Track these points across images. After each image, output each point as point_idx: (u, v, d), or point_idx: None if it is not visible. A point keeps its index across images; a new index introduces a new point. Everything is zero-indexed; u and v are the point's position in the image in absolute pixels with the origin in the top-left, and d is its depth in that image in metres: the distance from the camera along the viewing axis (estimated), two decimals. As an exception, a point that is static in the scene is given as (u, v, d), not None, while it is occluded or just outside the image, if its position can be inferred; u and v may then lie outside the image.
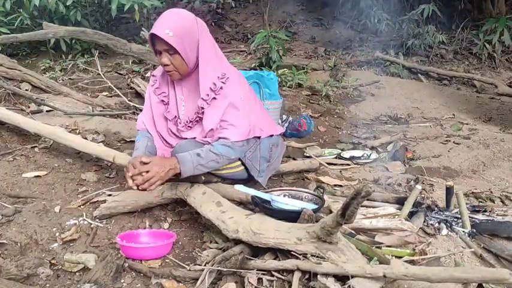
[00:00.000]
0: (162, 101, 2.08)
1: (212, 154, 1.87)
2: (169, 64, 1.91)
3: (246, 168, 2.10)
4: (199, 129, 1.97)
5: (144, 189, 1.76)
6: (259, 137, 2.10)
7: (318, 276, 1.43)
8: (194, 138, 1.98)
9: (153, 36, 1.86)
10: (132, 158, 1.89)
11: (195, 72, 1.97)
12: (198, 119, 1.98)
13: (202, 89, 1.93)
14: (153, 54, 3.90)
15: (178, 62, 1.91)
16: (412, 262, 1.54)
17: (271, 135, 2.17)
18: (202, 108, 1.94)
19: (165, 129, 2.09)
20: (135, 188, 1.76)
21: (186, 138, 2.01)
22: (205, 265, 1.60)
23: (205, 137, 1.95)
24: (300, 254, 1.51)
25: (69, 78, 4.13)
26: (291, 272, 1.51)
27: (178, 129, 2.05)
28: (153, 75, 2.14)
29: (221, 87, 1.93)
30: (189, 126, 2.01)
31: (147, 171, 1.74)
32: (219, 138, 1.92)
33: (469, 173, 2.73)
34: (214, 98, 1.93)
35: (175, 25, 1.85)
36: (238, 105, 1.93)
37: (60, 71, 4.43)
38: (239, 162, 2.07)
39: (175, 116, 2.06)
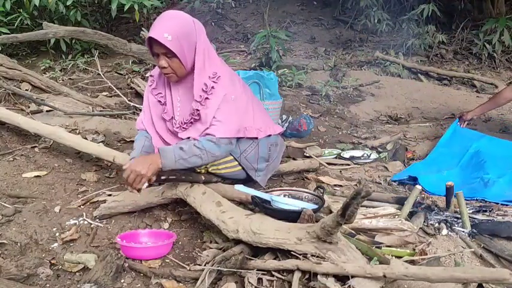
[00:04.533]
0: (159, 101, 2.09)
1: (195, 149, 1.87)
2: (167, 67, 1.91)
3: (244, 168, 2.10)
4: (194, 130, 1.97)
5: (137, 189, 1.81)
6: (256, 138, 2.09)
7: (318, 276, 1.43)
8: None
9: (151, 39, 1.85)
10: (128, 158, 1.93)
11: (191, 74, 1.97)
12: (192, 120, 1.98)
13: (196, 90, 1.94)
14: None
15: (176, 65, 1.91)
16: (412, 262, 1.54)
17: (269, 135, 2.17)
18: (197, 110, 1.95)
19: (165, 130, 2.09)
20: (130, 190, 1.83)
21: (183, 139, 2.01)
22: (205, 265, 1.60)
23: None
24: (300, 254, 1.51)
25: (69, 78, 4.13)
26: (291, 272, 1.51)
27: (174, 130, 2.06)
28: (151, 75, 2.14)
29: (212, 87, 1.93)
30: (183, 128, 2.01)
31: (131, 172, 1.78)
32: (206, 134, 1.92)
33: (469, 173, 2.72)
34: (207, 98, 1.93)
35: (174, 29, 1.84)
36: (228, 103, 1.93)
37: (60, 71, 4.42)
38: (237, 162, 2.07)
39: (172, 117, 2.06)
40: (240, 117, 1.99)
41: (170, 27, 1.85)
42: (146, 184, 1.84)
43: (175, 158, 1.84)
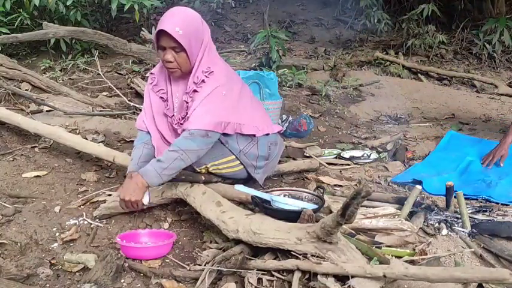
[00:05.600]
0: (161, 97, 2.08)
1: (172, 153, 1.85)
2: (173, 61, 1.91)
3: (242, 163, 2.09)
4: None
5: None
6: (254, 135, 2.09)
7: (318, 276, 1.44)
8: None
9: (160, 32, 1.86)
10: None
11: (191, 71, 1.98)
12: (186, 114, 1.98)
13: (189, 83, 1.95)
14: (153, 54, 3.92)
15: (182, 60, 1.91)
16: (412, 262, 1.54)
17: (267, 134, 2.17)
18: (187, 102, 1.95)
19: (166, 126, 2.09)
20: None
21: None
22: (205, 265, 1.60)
23: None
24: (300, 254, 1.51)
25: (69, 78, 4.13)
26: (291, 272, 1.51)
27: (174, 126, 2.06)
28: (151, 73, 2.14)
29: (203, 80, 1.93)
30: (180, 124, 2.02)
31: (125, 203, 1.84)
32: (183, 130, 1.93)
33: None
34: (195, 91, 1.94)
35: (185, 23, 1.86)
36: (215, 98, 1.92)
37: (60, 71, 4.42)
38: (238, 162, 2.07)
39: (174, 114, 2.06)
40: (224, 111, 1.95)
41: (181, 21, 1.86)
42: (146, 201, 1.87)
43: (157, 172, 1.82)
